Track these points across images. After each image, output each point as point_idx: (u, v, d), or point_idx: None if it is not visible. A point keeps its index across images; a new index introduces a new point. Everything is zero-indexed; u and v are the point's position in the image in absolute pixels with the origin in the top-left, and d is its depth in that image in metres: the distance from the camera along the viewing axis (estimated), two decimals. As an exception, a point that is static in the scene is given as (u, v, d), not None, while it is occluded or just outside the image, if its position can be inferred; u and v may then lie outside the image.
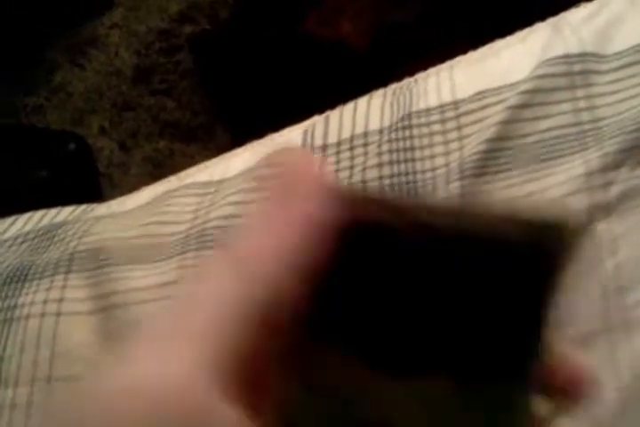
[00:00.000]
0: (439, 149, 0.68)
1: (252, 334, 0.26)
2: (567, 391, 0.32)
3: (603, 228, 0.56)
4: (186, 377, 0.25)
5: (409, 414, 0.30)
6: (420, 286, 0.31)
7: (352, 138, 0.72)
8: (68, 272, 0.71)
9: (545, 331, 0.32)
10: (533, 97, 0.65)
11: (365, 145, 0.71)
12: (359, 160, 0.70)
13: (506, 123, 0.65)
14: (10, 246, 0.78)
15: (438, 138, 0.68)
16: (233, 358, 0.26)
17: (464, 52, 0.78)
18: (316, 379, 0.30)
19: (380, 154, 0.69)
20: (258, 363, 0.27)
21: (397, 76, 0.79)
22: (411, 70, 0.79)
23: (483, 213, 0.32)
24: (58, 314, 0.68)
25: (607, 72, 0.63)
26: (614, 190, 0.57)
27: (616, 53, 0.64)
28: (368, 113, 0.74)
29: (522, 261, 0.31)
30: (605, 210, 0.56)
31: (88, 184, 1.56)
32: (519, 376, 0.31)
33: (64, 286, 0.70)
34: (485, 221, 0.32)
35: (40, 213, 0.81)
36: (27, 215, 0.82)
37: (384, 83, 0.78)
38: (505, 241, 0.31)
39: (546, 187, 0.60)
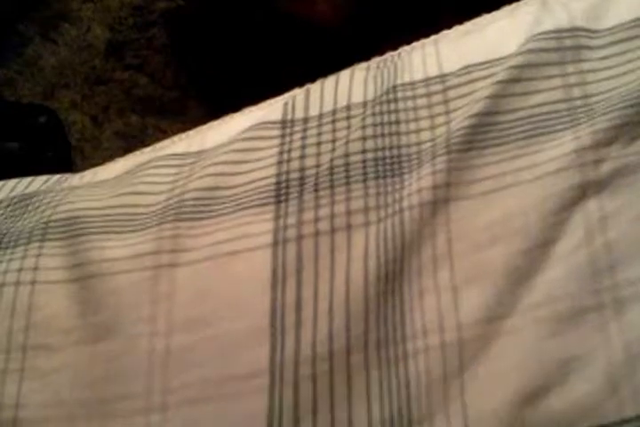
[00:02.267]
0: (425, 124, 0.66)
1: None
2: None
3: (594, 205, 0.55)
4: None
5: None
6: None
7: (334, 111, 0.71)
8: (42, 241, 0.69)
9: None
10: (523, 72, 0.64)
11: (348, 118, 0.70)
12: (342, 133, 0.69)
13: (494, 97, 0.63)
14: None
15: (424, 112, 0.67)
16: None
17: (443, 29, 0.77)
18: None
19: (363, 127, 0.68)
20: None
21: (369, 56, 0.78)
22: (383, 50, 0.78)
23: None
24: (33, 283, 0.67)
25: (599, 48, 0.62)
26: (606, 167, 0.56)
27: (608, 29, 0.63)
28: (351, 86, 0.72)
29: None
30: (597, 187, 0.56)
31: (60, 157, 1.54)
32: None
33: (39, 255, 0.68)
34: None
35: (13, 181, 0.79)
36: (-1, 183, 0.80)
37: (354, 62, 0.77)
38: None
39: (535, 163, 0.59)
